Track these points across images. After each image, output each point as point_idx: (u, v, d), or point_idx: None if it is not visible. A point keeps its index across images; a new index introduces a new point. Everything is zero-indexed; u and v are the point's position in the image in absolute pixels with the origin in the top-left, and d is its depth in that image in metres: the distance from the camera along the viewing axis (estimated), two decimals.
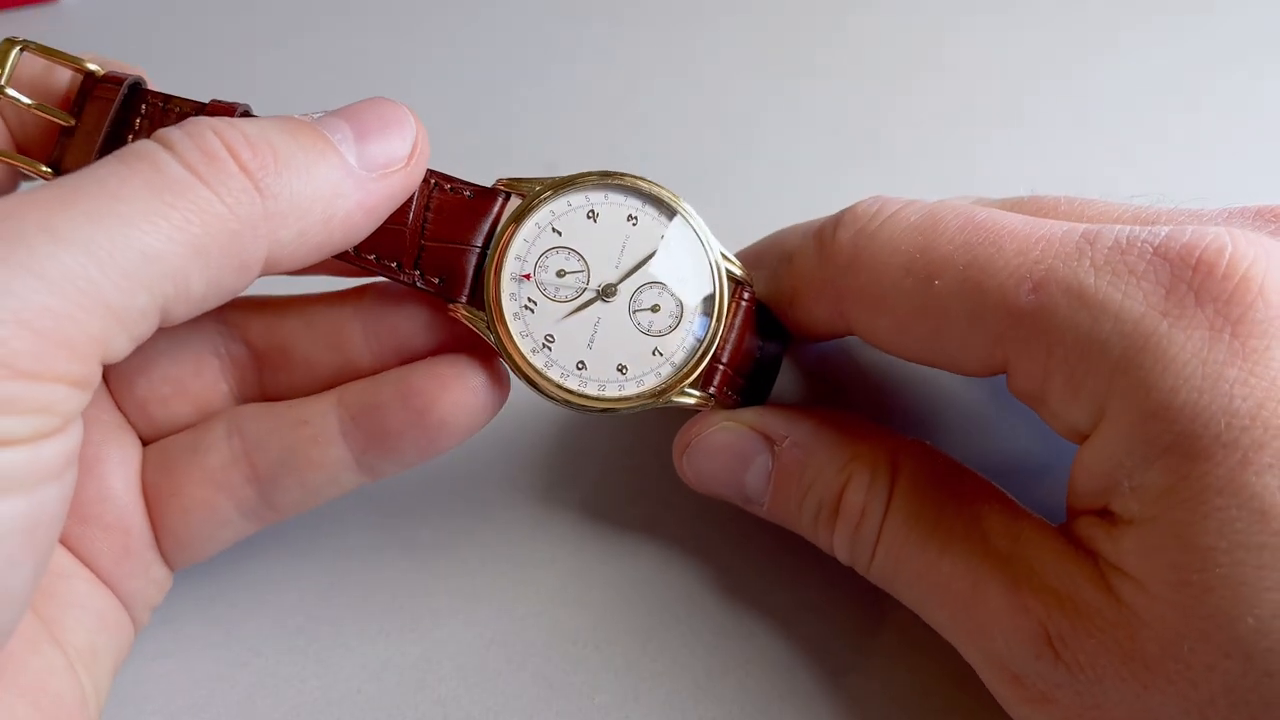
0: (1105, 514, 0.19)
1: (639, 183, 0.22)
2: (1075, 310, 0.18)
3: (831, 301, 0.22)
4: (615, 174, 0.22)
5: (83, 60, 0.22)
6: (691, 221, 0.22)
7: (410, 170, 0.20)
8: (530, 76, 0.40)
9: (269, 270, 0.19)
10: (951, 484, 0.22)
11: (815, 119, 0.38)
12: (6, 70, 0.21)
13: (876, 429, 0.23)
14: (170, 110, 0.21)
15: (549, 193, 0.22)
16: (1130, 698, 0.18)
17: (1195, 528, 0.17)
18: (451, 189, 0.22)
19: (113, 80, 0.21)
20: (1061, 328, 0.18)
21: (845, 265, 0.21)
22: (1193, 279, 0.18)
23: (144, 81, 0.22)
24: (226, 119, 0.18)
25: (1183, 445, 0.17)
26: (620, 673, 0.24)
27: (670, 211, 0.22)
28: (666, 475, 0.28)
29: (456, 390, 0.22)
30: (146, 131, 0.21)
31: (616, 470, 0.28)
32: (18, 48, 0.21)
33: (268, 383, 0.24)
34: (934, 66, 0.40)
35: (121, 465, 0.22)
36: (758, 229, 0.26)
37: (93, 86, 0.21)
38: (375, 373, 0.22)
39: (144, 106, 0.21)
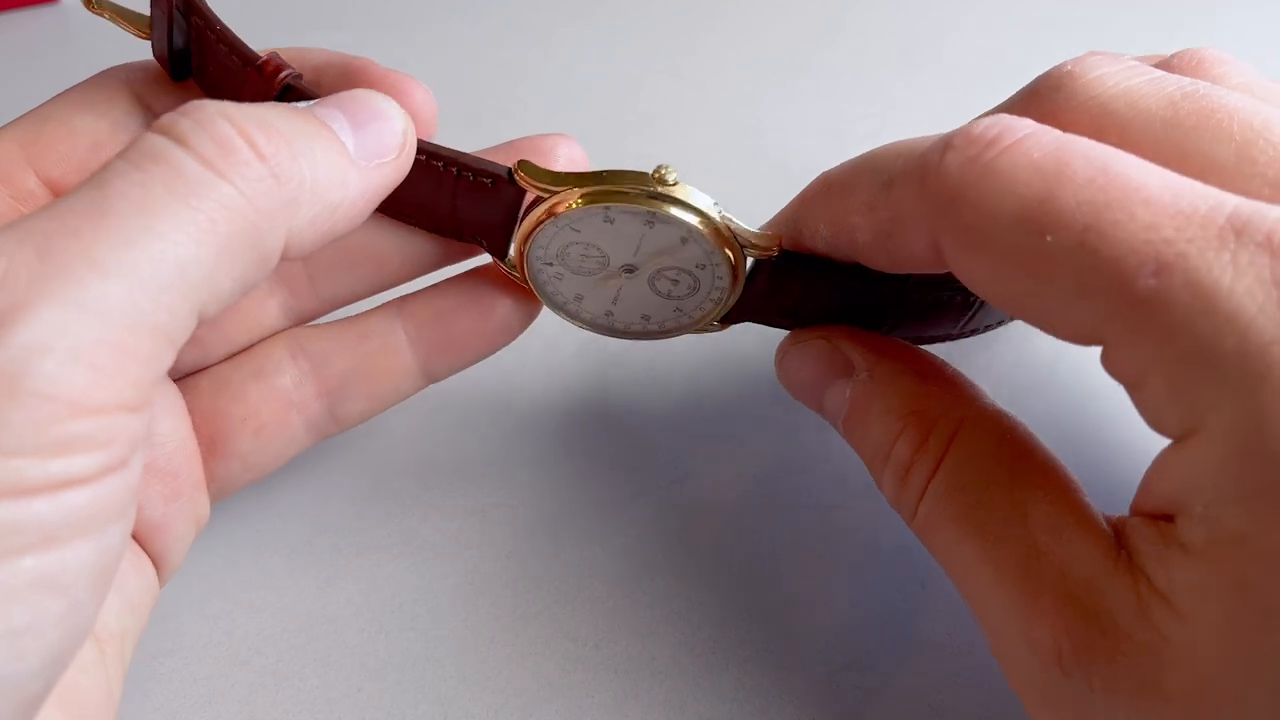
0: (1166, 528, 0.17)
1: (651, 202, 0.22)
2: (1197, 312, 0.16)
3: (928, 235, 0.19)
4: (625, 194, 0.21)
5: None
6: (708, 214, 0.22)
7: (400, 161, 0.20)
8: (530, 71, 0.40)
9: (283, 258, 0.18)
10: (1013, 463, 0.20)
11: (817, 112, 0.38)
12: None
13: (956, 389, 0.22)
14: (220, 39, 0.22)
15: (567, 205, 0.22)
16: None
17: (1266, 588, 0.15)
18: (474, 177, 0.22)
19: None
20: (1176, 327, 0.16)
21: (948, 199, 0.18)
22: None
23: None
24: (232, 103, 0.18)
25: (1278, 498, 0.15)
26: (620, 672, 0.24)
27: (687, 211, 0.22)
28: (665, 474, 0.28)
29: (511, 293, 0.25)
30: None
31: (616, 469, 0.28)
32: None
33: (321, 291, 0.25)
34: (934, 58, 0.40)
35: (168, 412, 0.23)
36: (762, 217, 0.26)
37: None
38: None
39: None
